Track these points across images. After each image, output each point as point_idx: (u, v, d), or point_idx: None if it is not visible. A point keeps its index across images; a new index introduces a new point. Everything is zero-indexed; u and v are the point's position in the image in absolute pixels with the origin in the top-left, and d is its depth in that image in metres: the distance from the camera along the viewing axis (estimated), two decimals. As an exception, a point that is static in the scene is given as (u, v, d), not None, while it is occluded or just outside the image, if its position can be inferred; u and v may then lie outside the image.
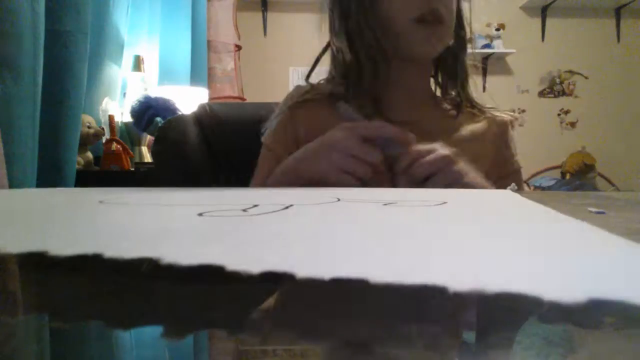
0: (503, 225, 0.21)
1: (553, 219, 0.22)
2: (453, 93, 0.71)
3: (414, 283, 0.10)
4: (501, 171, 0.68)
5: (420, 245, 0.15)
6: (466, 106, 0.70)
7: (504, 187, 0.54)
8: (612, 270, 0.12)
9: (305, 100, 0.68)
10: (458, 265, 0.12)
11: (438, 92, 0.74)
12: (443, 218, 0.23)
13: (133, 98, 1.50)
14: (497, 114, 0.71)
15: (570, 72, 3.22)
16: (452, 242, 0.16)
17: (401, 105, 0.66)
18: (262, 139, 0.69)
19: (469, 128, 0.68)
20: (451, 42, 0.66)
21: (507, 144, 0.70)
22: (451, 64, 0.70)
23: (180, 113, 1.20)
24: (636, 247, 0.15)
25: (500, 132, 0.69)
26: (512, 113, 0.73)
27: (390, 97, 0.66)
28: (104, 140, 1.40)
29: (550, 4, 3.10)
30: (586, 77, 3.21)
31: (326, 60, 0.72)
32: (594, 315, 0.10)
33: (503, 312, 0.11)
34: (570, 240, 0.17)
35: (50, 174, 1.08)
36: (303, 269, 0.11)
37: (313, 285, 0.10)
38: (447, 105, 0.70)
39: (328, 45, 0.71)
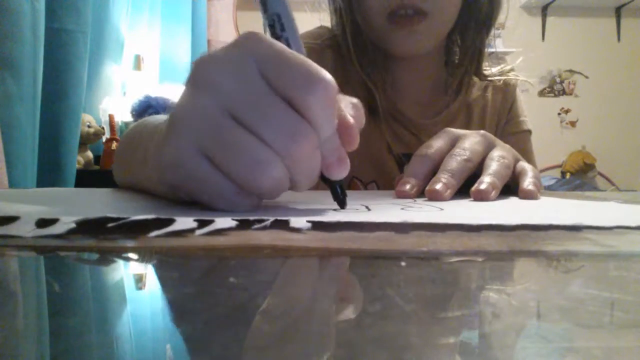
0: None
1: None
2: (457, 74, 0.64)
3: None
4: (504, 130, 0.65)
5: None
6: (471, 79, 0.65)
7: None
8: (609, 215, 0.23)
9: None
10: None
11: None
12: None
13: (133, 97, 1.50)
14: (501, 77, 0.67)
15: (571, 71, 3.21)
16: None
17: (408, 104, 0.63)
18: None
19: (468, 97, 0.65)
20: (447, 32, 0.60)
21: (511, 106, 0.67)
22: (466, 46, 0.63)
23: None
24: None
25: (504, 96, 0.67)
26: (517, 75, 0.68)
27: (396, 93, 0.63)
28: (104, 140, 1.40)
29: (550, 3, 3.10)
30: (586, 77, 3.21)
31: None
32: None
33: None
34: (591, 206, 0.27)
35: (50, 174, 1.08)
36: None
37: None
38: (450, 80, 0.65)
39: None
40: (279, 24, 0.27)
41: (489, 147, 0.40)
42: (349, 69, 0.61)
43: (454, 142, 0.40)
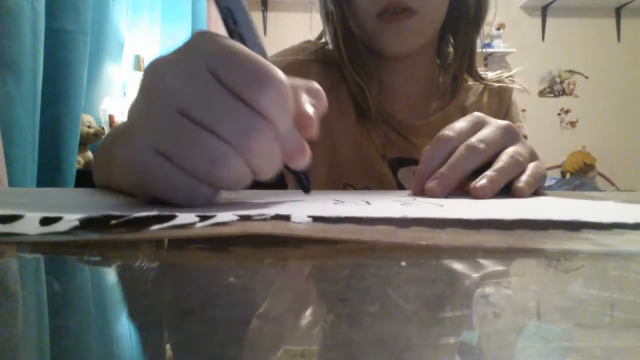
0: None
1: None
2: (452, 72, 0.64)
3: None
4: None
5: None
6: (466, 80, 0.65)
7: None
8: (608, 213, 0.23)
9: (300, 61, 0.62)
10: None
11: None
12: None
13: (133, 97, 1.49)
14: (497, 84, 0.67)
15: (571, 71, 3.22)
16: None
17: (400, 107, 0.63)
18: None
19: (464, 101, 0.65)
20: (436, 30, 0.60)
21: (507, 111, 0.67)
22: (457, 44, 0.63)
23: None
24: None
25: (499, 101, 0.67)
26: (513, 80, 0.69)
27: (387, 96, 0.63)
28: (104, 140, 1.40)
29: (550, 3, 3.10)
30: (586, 77, 3.21)
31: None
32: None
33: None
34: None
35: (50, 174, 1.08)
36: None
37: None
38: (442, 79, 0.65)
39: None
40: (231, 19, 0.27)
41: (509, 141, 0.39)
42: (335, 79, 0.61)
43: (478, 128, 0.39)
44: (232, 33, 0.27)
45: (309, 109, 0.27)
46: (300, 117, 0.26)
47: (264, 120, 0.24)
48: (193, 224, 0.19)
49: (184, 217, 0.20)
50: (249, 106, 0.23)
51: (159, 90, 0.24)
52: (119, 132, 0.33)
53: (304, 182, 0.29)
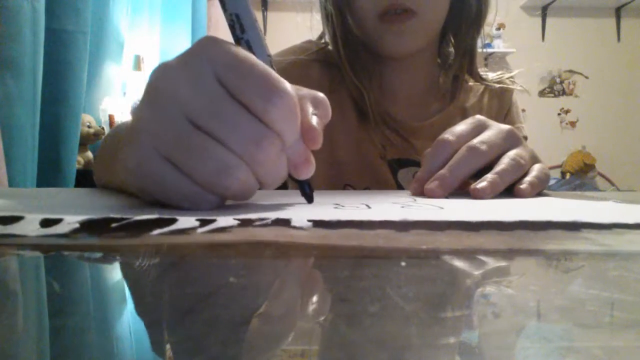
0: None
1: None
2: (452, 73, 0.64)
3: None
4: None
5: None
6: (466, 80, 0.65)
7: None
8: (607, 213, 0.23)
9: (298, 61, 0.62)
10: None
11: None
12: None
13: (133, 97, 1.49)
14: (498, 84, 0.67)
15: (571, 71, 3.21)
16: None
17: (400, 107, 0.63)
18: None
19: (464, 102, 0.65)
20: (437, 31, 0.60)
21: (507, 112, 0.67)
22: (458, 44, 0.63)
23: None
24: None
25: (499, 102, 0.67)
26: (513, 81, 0.68)
27: (387, 97, 0.63)
28: (104, 140, 1.40)
29: (550, 3, 3.10)
30: (586, 77, 3.21)
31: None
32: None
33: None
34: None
35: (50, 174, 1.08)
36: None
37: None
38: (443, 80, 0.65)
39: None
40: (238, 25, 0.27)
41: (510, 144, 0.39)
42: (336, 80, 0.61)
43: (479, 131, 0.39)
44: (238, 40, 0.27)
45: (314, 121, 0.27)
46: (305, 128, 0.26)
47: (272, 131, 0.24)
48: (194, 228, 0.20)
49: (185, 221, 0.20)
50: (257, 117, 0.24)
51: (167, 96, 0.24)
52: (122, 133, 0.33)
53: (307, 192, 0.30)
